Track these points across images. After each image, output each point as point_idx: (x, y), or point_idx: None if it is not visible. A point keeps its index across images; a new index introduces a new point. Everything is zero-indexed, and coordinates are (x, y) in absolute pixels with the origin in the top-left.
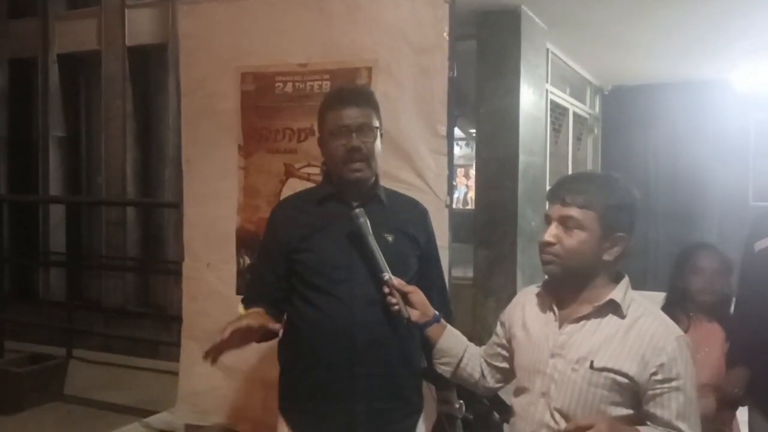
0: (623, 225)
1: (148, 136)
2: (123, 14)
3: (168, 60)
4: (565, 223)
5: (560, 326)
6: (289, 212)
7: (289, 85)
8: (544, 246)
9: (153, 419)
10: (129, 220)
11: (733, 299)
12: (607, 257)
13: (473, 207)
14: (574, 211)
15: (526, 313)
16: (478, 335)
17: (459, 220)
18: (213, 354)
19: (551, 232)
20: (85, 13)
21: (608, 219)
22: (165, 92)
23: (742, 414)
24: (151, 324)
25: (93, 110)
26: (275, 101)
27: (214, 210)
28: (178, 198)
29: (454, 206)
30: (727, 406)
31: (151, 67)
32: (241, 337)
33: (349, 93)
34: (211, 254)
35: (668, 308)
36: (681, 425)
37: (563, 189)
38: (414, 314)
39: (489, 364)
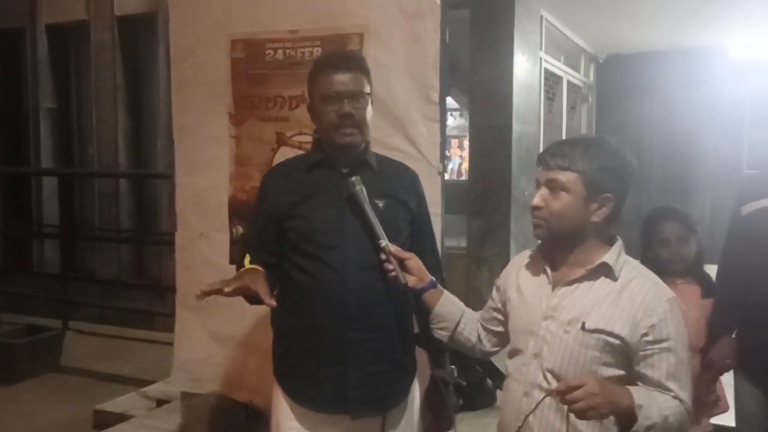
0: (610, 186)
1: (140, 107)
2: None
3: (158, 29)
4: (551, 186)
5: (553, 289)
6: (279, 180)
7: (280, 52)
8: (533, 210)
9: (149, 389)
10: (122, 191)
11: (703, 255)
12: (594, 219)
13: (467, 178)
14: (557, 174)
15: (520, 276)
16: (471, 304)
17: (453, 192)
18: (206, 296)
19: (539, 196)
20: None
21: (593, 180)
22: (156, 62)
23: (727, 377)
24: (145, 295)
25: (83, 81)
26: (266, 68)
27: (206, 179)
28: (170, 169)
29: (448, 177)
30: (716, 373)
31: (141, 37)
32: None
33: (339, 58)
34: (203, 224)
35: None
36: (671, 385)
37: (548, 153)
38: (411, 280)
39: (485, 328)
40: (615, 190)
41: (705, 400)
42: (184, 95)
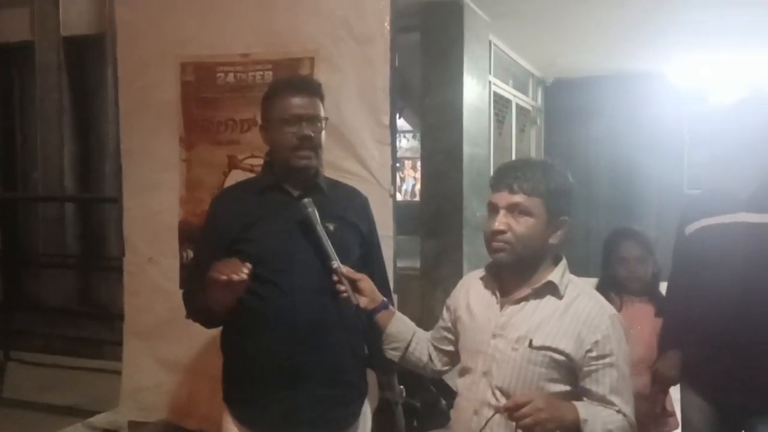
0: (565, 209)
1: (87, 129)
2: (57, 3)
3: (106, 50)
4: (514, 210)
5: (501, 308)
6: (229, 202)
7: (231, 75)
8: (495, 234)
9: (96, 419)
10: (68, 216)
11: (659, 275)
12: (552, 241)
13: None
14: (521, 198)
15: (470, 296)
16: (426, 325)
17: (407, 212)
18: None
19: (501, 220)
20: (17, 1)
21: (553, 204)
22: (104, 84)
23: (675, 391)
24: (93, 323)
25: (27, 103)
26: (217, 92)
27: (155, 203)
28: (118, 193)
29: (402, 198)
30: (662, 385)
31: (89, 58)
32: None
33: (299, 82)
34: (152, 248)
35: (601, 290)
36: (614, 399)
37: (509, 176)
38: (363, 301)
39: (436, 348)
40: (569, 213)
41: (653, 415)
42: (132, 118)
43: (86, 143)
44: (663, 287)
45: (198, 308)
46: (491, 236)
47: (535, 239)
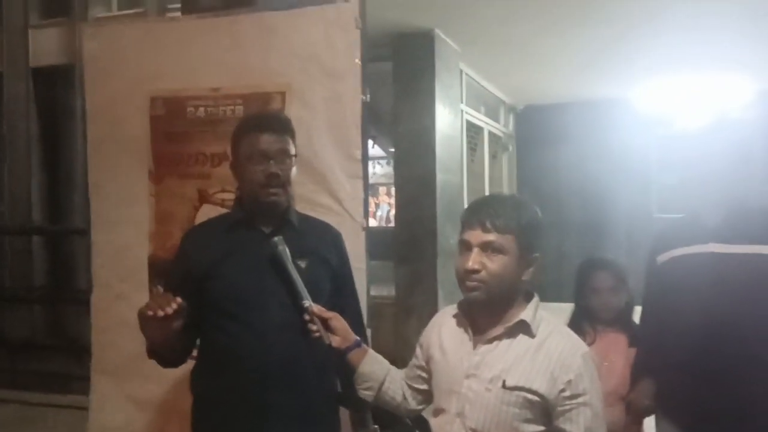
0: (537, 244)
1: (55, 160)
2: (26, 34)
3: (75, 82)
4: (487, 248)
5: (474, 347)
6: (199, 239)
7: (201, 109)
8: (469, 273)
9: None
10: (35, 248)
11: (634, 307)
12: (525, 277)
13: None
14: (494, 236)
15: (442, 334)
16: (400, 353)
17: (382, 238)
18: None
19: (474, 259)
20: None
21: (525, 240)
22: (73, 115)
23: (649, 420)
24: (61, 357)
25: None
26: (187, 126)
27: (124, 237)
28: (87, 225)
29: (377, 224)
30: (636, 415)
31: (58, 89)
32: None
33: (266, 119)
34: (121, 284)
35: (575, 321)
36: None
37: (481, 214)
38: (335, 340)
39: (410, 387)
40: (540, 248)
41: None
42: (100, 151)
43: (55, 173)
44: (636, 312)
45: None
46: (465, 275)
47: (509, 277)
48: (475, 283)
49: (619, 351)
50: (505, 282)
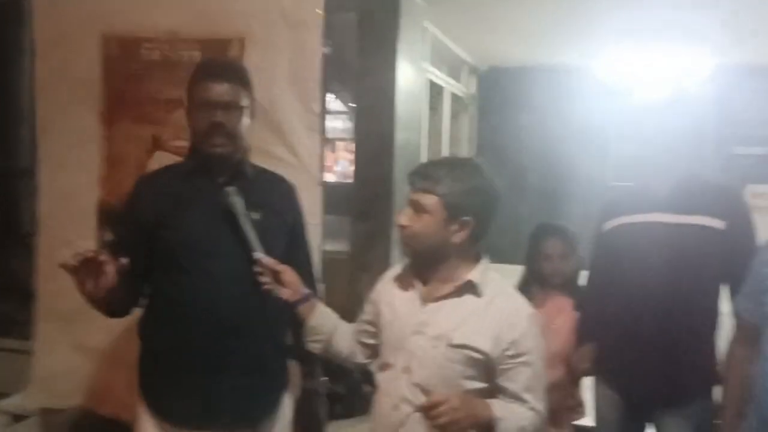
0: (470, 209)
1: (1, 95)
2: None
3: (23, 16)
4: (415, 206)
5: (423, 305)
6: (151, 187)
7: (157, 52)
8: (400, 228)
9: (4, 403)
10: None
11: (579, 269)
12: (454, 240)
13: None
14: (420, 196)
15: (393, 291)
16: (352, 308)
17: (340, 193)
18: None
19: (405, 215)
20: None
21: (453, 203)
22: (20, 49)
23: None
24: (1, 300)
25: None
26: (141, 68)
27: (72, 180)
28: (33, 166)
29: (335, 180)
30: (574, 377)
31: (4, 21)
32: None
33: (218, 67)
34: (68, 229)
35: (525, 284)
36: (527, 397)
37: (414, 174)
38: (285, 293)
39: (359, 341)
40: (476, 213)
41: (566, 405)
42: (49, 90)
43: (1, 110)
44: (583, 277)
45: None
46: (399, 230)
47: (432, 237)
48: (404, 239)
49: (565, 315)
50: (427, 241)
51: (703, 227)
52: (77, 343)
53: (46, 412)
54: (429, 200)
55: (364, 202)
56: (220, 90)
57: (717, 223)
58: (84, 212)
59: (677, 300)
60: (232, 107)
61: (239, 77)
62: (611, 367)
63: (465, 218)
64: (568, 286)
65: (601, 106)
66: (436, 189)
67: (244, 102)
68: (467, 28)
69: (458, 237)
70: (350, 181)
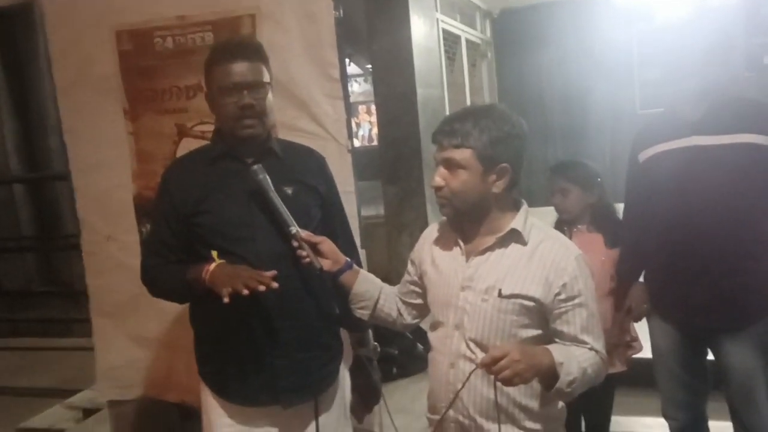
0: (504, 156)
1: (26, 106)
2: None
3: (36, 22)
4: (448, 164)
5: (467, 259)
6: (181, 174)
7: (169, 40)
8: (435, 190)
9: (74, 399)
10: (17, 197)
11: (607, 203)
12: (495, 190)
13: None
14: (452, 153)
15: (434, 249)
16: (395, 270)
17: (366, 159)
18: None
19: (438, 176)
20: None
21: (487, 153)
22: (37, 57)
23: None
24: (58, 302)
25: None
26: (157, 59)
27: (107, 179)
28: (66, 169)
29: (360, 144)
30: (636, 320)
31: (19, 31)
32: None
33: (236, 47)
34: (110, 226)
35: (558, 225)
36: (586, 338)
37: (440, 132)
38: (326, 264)
39: (404, 302)
40: (510, 159)
41: (621, 342)
42: (70, 94)
43: (27, 120)
44: (618, 210)
45: (168, 289)
46: (434, 192)
47: (472, 192)
48: (440, 200)
49: (595, 249)
50: (468, 197)
51: (748, 145)
52: (133, 334)
53: (114, 404)
54: (462, 155)
55: (392, 163)
56: (242, 70)
57: (760, 139)
58: (122, 208)
59: (728, 223)
60: (257, 85)
61: (257, 54)
62: (662, 300)
63: (502, 166)
64: (594, 221)
65: (622, 32)
66: (468, 142)
67: (266, 78)
68: None
69: (498, 186)
70: (374, 144)
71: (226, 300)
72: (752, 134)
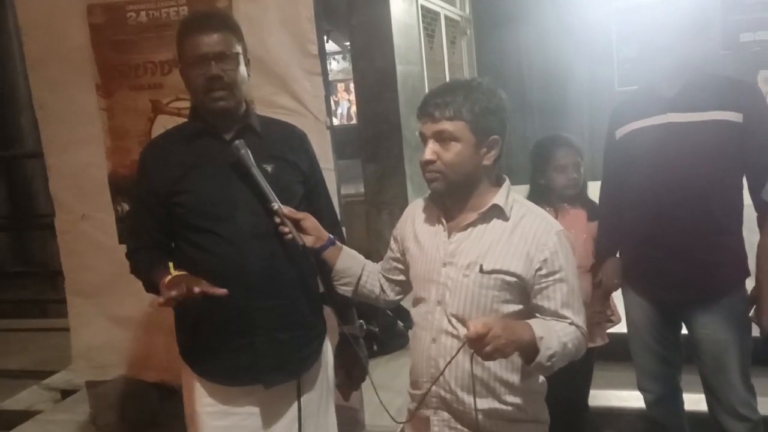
0: (495, 127)
1: None
2: None
3: None
4: (440, 137)
5: (449, 235)
6: (159, 154)
7: (143, 14)
8: (426, 164)
9: (52, 380)
10: None
11: (587, 179)
12: (486, 162)
13: (357, 122)
14: (445, 125)
15: (416, 226)
16: (375, 249)
17: (345, 137)
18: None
19: (429, 150)
20: None
21: (479, 125)
22: (8, 32)
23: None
24: (33, 282)
25: None
26: (130, 33)
27: (80, 157)
28: (39, 147)
29: (338, 123)
30: (606, 293)
31: None
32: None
33: (203, 17)
34: (84, 205)
35: (533, 201)
36: (566, 312)
37: (430, 105)
38: (308, 240)
39: (387, 279)
40: (499, 131)
41: (599, 316)
42: (41, 69)
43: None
44: (595, 187)
45: (144, 279)
46: (423, 167)
47: (466, 164)
48: (432, 174)
49: (580, 227)
50: (462, 169)
51: (720, 122)
52: (111, 314)
53: (92, 384)
54: (456, 126)
55: (372, 141)
56: (210, 41)
57: (734, 117)
58: (97, 186)
59: (700, 198)
60: (226, 56)
61: (226, 24)
62: (637, 274)
63: (493, 137)
64: (579, 197)
65: (601, 9)
66: (461, 114)
67: (237, 48)
68: None
69: (489, 158)
70: (353, 123)
71: (161, 301)
72: (726, 111)
